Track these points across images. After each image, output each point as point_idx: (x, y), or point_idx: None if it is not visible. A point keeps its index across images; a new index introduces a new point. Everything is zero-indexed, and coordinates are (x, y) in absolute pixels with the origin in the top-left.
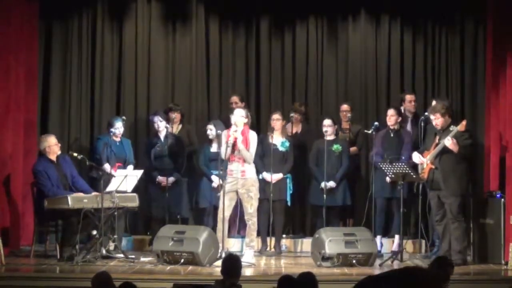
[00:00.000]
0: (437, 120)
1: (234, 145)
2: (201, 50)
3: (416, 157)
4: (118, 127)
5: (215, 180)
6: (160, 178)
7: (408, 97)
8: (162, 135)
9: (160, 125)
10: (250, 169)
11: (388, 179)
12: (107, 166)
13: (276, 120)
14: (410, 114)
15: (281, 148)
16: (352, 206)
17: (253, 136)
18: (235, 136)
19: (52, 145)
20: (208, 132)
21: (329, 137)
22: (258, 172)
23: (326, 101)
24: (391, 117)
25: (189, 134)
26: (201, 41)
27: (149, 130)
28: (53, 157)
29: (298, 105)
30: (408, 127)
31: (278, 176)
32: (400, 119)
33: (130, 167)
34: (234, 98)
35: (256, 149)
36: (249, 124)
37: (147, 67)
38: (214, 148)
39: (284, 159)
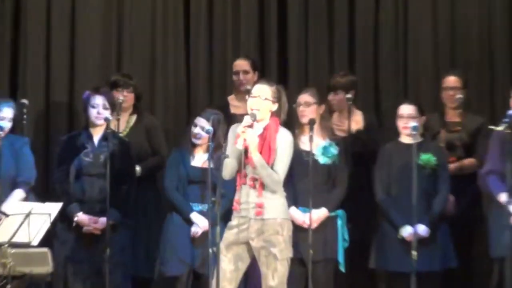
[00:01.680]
0: None
1: (247, 154)
2: None
3: None
4: (5, 117)
5: (198, 221)
6: (81, 218)
7: None
8: (97, 135)
9: (101, 113)
10: (275, 201)
11: None
12: None
13: (306, 105)
14: None
15: (323, 160)
16: (464, 270)
17: (284, 138)
18: (248, 137)
19: None
20: (196, 130)
21: (412, 139)
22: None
23: (415, 71)
24: None
25: (152, 134)
26: None
27: (73, 123)
28: None
29: (341, 76)
30: None
31: (321, 214)
32: None
33: (19, 192)
34: (240, 64)
35: (288, 163)
36: (283, 115)
37: (70, 16)
38: (199, 159)
39: (329, 180)
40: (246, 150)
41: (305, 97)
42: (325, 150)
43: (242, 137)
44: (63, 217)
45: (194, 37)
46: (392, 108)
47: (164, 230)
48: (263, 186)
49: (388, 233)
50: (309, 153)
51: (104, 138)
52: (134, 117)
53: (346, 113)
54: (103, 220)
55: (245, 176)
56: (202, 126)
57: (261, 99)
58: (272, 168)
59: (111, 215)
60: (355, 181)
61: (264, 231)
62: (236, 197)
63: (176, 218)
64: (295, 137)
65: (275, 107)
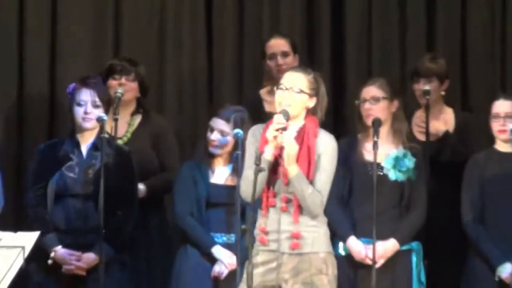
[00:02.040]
0: None
1: (275, 165)
2: None
3: None
4: None
5: (223, 257)
6: (60, 254)
7: None
8: (86, 143)
9: (89, 112)
10: (317, 230)
11: None
12: None
13: (374, 100)
14: None
15: (394, 175)
16: None
17: (327, 145)
18: (280, 141)
19: None
20: (213, 136)
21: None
22: (336, 237)
23: None
24: None
25: (161, 141)
26: None
27: (55, 125)
28: None
29: (430, 59)
30: None
31: (389, 247)
32: None
33: None
34: (277, 44)
35: (334, 177)
36: (320, 113)
37: None
38: (220, 174)
39: (402, 202)
40: (277, 160)
41: (372, 90)
42: (397, 161)
43: (273, 143)
44: (37, 253)
45: (217, 10)
46: (484, 105)
47: (176, 269)
48: (299, 209)
49: (481, 273)
50: (375, 166)
51: (95, 146)
52: (137, 118)
53: (435, 110)
54: (89, 256)
55: (274, 196)
56: (221, 130)
57: (294, 91)
58: (310, 184)
59: (100, 250)
60: (436, 202)
61: (302, 270)
62: (261, 225)
63: (191, 252)
64: (357, 143)
65: (312, 102)
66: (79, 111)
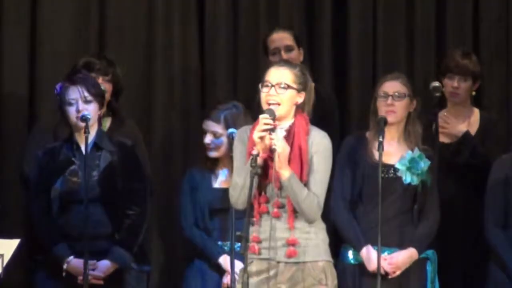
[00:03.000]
0: None
1: (266, 168)
2: None
3: None
4: None
5: (229, 266)
6: (74, 264)
7: None
8: (84, 141)
9: (82, 109)
10: (315, 237)
11: None
12: None
13: (398, 97)
14: None
15: (408, 178)
16: None
17: (320, 143)
18: (268, 143)
19: None
20: (207, 139)
21: None
22: (345, 244)
23: None
24: None
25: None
26: None
27: (33, 124)
28: None
29: (462, 56)
30: None
31: (406, 256)
32: None
33: None
34: (280, 38)
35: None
36: (308, 108)
37: None
38: (222, 179)
39: (416, 208)
40: (266, 163)
41: (395, 86)
42: (412, 164)
43: (260, 145)
44: (46, 263)
45: (210, 5)
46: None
47: (184, 283)
48: (294, 214)
49: (503, 285)
50: (388, 168)
51: (97, 146)
52: (107, 121)
53: (461, 110)
54: (105, 264)
55: (266, 201)
56: (212, 131)
57: (281, 87)
58: (305, 186)
59: (116, 257)
60: (454, 207)
61: (300, 281)
62: (253, 233)
63: (199, 265)
64: (368, 142)
65: (301, 98)
66: (71, 111)
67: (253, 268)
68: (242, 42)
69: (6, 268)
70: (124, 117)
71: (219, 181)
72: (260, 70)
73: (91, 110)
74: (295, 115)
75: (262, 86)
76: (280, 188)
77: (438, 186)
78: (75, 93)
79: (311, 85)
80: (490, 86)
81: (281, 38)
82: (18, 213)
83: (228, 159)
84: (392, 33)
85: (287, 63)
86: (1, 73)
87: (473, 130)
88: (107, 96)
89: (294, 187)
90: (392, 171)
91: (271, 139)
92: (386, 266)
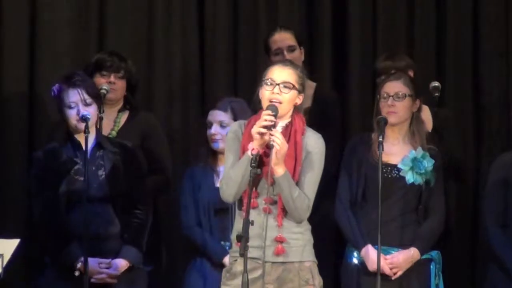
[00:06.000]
0: None
1: (260, 164)
2: None
3: None
4: None
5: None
6: (89, 264)
7: None
8: (89, 142)
9: (81, 110)
10: (302, 237)
11: None
12: None
13: (400, 97)
14: None
15: (412, 177)
16: None
17: (314, 144)
18: (276, 141)
19: None
20: (213, 130)
21: None
22: (349, 244)
23: None
24: None
25: (150, 140)
26: None
27: (34, 126)
28: None
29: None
30: None
31: (408, 257)
32: None
33: None
34: (282, 38)
35: (319, 180)
36: (301, 108)
37: None
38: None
39: (419, 208)
40: (262, 159)
41: (396, 86)
42: (415, 163)
43: (259, 141)
44: (55, 264)
45: (210, 5)
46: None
47: (186, 283)
48: (284, 212)
49: (501, 285)
50: (391, 168)
51: (99, 146)
52: (124, 115)
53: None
54: (118, 262)
55: (256, 197)
56: (219, 121)
57: (285, 87)
58: (297, 186)
59: (129, 255)
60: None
61: (287, 281)
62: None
63: (201, 264)
64: (372, 143)
65: (300, 99)
66: (71, 114)
67: (238, 267)
68: (242, 42)
69: (6, 268)
70: (141, 110)
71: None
72: (260, 70)
73: (91, 112)
74: (292, 115)
75: (264, 84)
76: (273, 184)
77: (444, 185)
78: (75, 96)
79: (304, 83)
80: (490, 84)
81: (283, 38)
82: (18, 213)
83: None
84: (392, 33)
85: (292, 63)
86: (1, 73)
87: (429, 128)
88: (122, 91)
89: (286, 185)
90: (395, 171)
91: (271, 135)
92: (386, 266)
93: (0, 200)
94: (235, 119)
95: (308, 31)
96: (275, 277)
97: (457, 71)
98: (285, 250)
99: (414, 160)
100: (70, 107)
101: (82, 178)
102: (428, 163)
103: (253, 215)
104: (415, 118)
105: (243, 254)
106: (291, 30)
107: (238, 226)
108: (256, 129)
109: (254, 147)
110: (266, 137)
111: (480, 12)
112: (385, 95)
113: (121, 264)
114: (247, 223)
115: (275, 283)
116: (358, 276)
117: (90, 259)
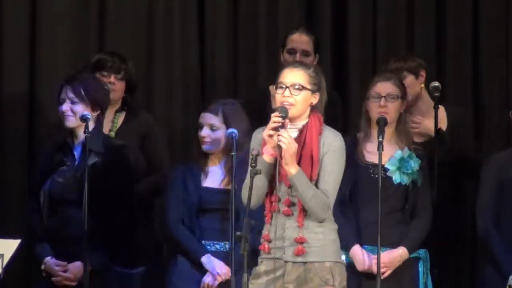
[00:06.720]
0: None
1: (279, 167)
2: None
3: None
4: None
5: (212, 267)
6: (48, 264)
7: None
8: (77, 144)
9: (65, 110)
10: (324, 237)
11: None
12: None
13: (391, 98)
14: None
15: (399, 177)
16: None
17: (332, 143)
18: (283, 142)
19: None
20: (203, 132)
21: None
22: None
23: None
24: None
25: (148, 140)
26: None
27: (34, 126)
28: None
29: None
30: None
31: (397, 255)
32: None
33: None
34: (301, 40)
35: (340, 178)
36: (321, 108)
37: None
38: (214, 176)
39: (406, 207)
40: (276, 164)
41: (388, 87)
42: (402, 163)
43: (270, 143)
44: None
45: (210, 5)
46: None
47: (167, 281)
48: (304, 213)
49: (494, 282)
50: (380, 168)
51: (84, 147)
52: (122, 115)
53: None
54: (75, 266)
55: (277, 200)
56: (209, 124)
57: (295, 89)
58: (317, 186)
59: (91, 258)
60: (444, 206)
61: (307, 281)
62: (265, 232)
63: (182, 263)
64: (360, 143)
65: (315, 98)
66: (60, 109)
67: (262, 268)
68: (242, 42)
69: (6, 268)
70: (139, 111)
71: (209, 180)
72: (260, 70)
73: (77, 110)
74: (309, 115)
75: (276, 88)
76: (290, 186)
77: (430, 185)
78: (64, 93)
79: (324, 85)
80: (490, 84)
81: (301, 41)
82: (18, 213)
83: (221, 156)
84: (392, 33)
85: (301, 64)
86: (1, 73)
87: (443, 126)
88: (121, 92)
89: (300, 184)
90: (382, 171)
91: (278, 135)
92: (374, 266)
93: (0, 200)
94: (225, 123)
95: (308, 31)
96: (295, 277)
97: (457, 71)
98: (305, 250)
99: (401, 160)
100: (59, 103)
101: (61, 179)
102: (414, 163)
103: (275, 218)
104: (402, 119)
105: (243, 253)
106: (311, 36)
107: (263, 230)
108: (266, 132)
109: (268, 150)
110: (276, 139)
111: (480, 12)
112: (376, 95)
113: (77, 267)
114: (247, 223)
115: (295, 282)
116: (348, 275)
117: (52, 260)
